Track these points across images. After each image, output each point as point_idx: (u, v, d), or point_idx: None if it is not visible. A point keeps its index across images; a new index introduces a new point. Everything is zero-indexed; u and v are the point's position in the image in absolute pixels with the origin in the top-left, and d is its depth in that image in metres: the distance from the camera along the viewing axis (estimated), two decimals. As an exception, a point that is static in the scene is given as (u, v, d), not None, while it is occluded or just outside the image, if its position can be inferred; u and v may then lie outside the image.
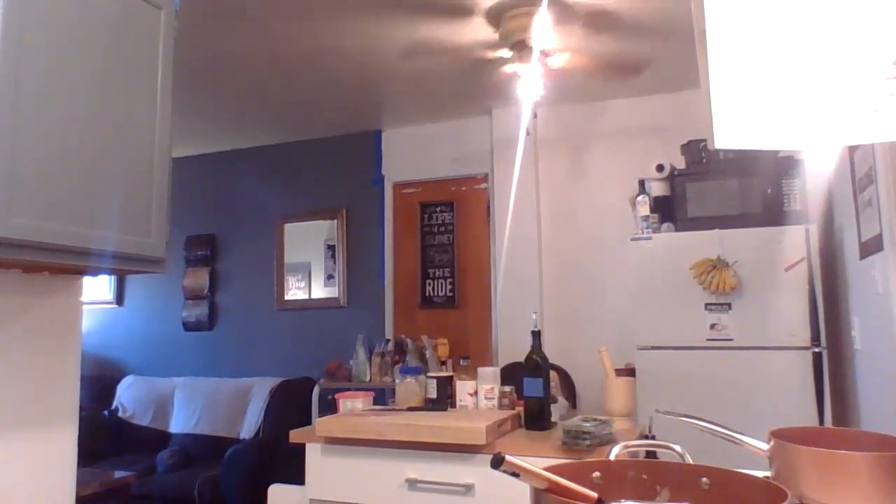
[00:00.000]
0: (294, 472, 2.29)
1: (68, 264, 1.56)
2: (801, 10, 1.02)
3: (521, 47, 3.24)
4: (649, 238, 3.34)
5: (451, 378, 2.40)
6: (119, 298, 5.61)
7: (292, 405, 4.49)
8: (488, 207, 4.64)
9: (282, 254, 5.15)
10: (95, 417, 4.77)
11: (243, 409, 4.58)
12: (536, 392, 2.15)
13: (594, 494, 0.69)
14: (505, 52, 3.43)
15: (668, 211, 3.42)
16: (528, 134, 4.31)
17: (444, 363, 4.22)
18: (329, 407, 2.83)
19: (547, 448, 1.93)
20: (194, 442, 4.57)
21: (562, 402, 2.36)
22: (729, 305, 3.11)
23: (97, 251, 1.56)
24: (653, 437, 2.03)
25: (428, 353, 4.22)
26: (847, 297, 2.91)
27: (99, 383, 5.09)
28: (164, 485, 4.05)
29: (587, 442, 1.87)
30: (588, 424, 1.90)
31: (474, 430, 1.93)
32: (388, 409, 2.35)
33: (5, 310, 1.66)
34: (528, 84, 3.36)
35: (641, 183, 3.55)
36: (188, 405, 4.79)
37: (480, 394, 2.33)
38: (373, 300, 4.86)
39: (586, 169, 4.38)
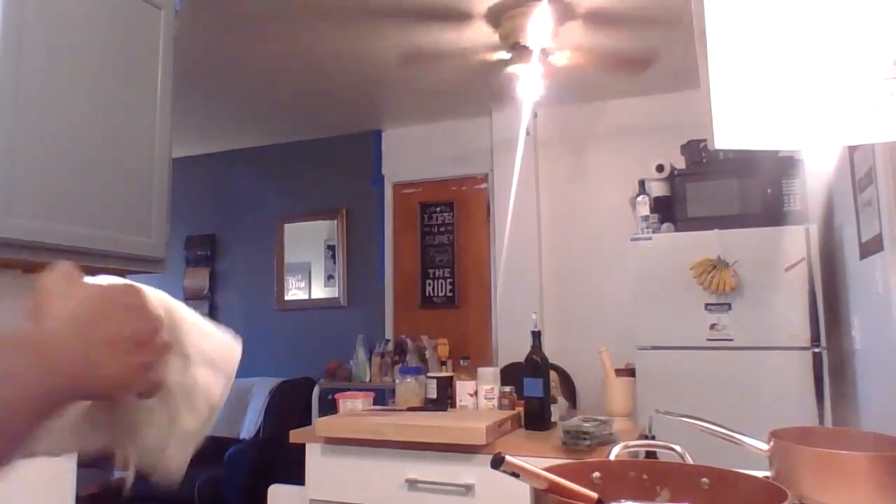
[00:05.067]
0: (294, 472, 2.29)
1: (68, 264, 1.55)
2: (801, 10, 1.02)
3: (520, 47, 3.24)
4: (649, 238, 3.34)
5: (451, 378, 2.40)
6: (119, 298, 5.61)
7: (292, 405, 4.48)
8: (488, 207, 4.64)
9: (282, 254, 5.15)
10: (95, 417, 4.77)
11: (243, 409, 4.57)
12: (536, 392, 2.15)
13: (594, 495, 0.69)
14: (505, 53, 3.43)
15: (668, 211, 3.42)
16: (528, 134, 4.31)
17: (444, 363, 4.22)
18: (329, 407, 2.82)
19: (547, 448, 1.93)
20: (194, 442, 4.57)
21: (562, 402, 2.36)
22: (729, 305, 3.11)
23: (97, 251, 1.56)
24: (653, 437, 2.03)
25: (428, 353, 4.22)
26: (847, 297, 2.91)
27: (99, 383, 5.09)
28: (164, 485, 4.04)
29: (587, 442, 1.86)
30: (588, 424, 1.90)
31: (474, 430, 1.93)
32: (388, 409, 2.35)
33: (5, 310, 1.66)
34: (528, 84, 3.36)
35: (641, 183, 3.55)
36: (188, 405, 4.78)
37: (480, 394, 2.33)
38: (373, 300, 4.86)
39: (586, 169, 4.38)
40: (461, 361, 4.16)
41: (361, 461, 2.08)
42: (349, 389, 3.08)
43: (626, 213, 3.83)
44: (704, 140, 2.79)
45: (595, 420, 1.96)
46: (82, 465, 1.86)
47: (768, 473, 0.92)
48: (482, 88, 4.08)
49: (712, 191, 3.33)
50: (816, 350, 2.98)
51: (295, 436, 2.23)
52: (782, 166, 3.23)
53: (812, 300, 3.00)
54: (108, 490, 3.33)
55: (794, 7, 1.02)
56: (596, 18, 3.18)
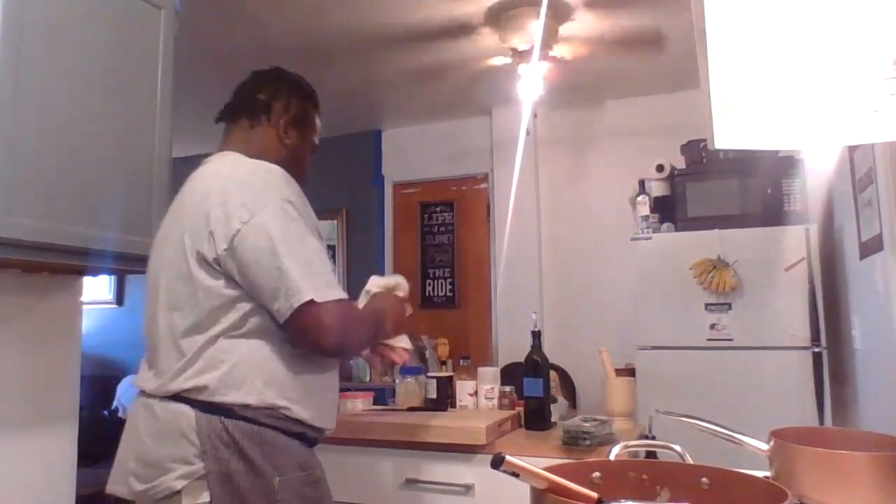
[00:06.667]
0: (294, 472, 2.28)
1: (68, 264, 1.56)
2: (801, 10, 1.02)
3: (521, 47, 3.24)
4: (649, 238, 3.34)
5: (451, 378, 2.39)
6: (119, 298, 5.61)
7: (292, 405, 4.48)
8: (488, 207, 4.64)
9: (282, 254, 5.14)
10: (95, 417, 4.76)
11: (243, 409, 4.57)
12: (536, 392, 2.15)
13: (594, 494, 0.69)
14: (505, 52, 3.43)
15: (668, 211, 3.42)
16: (528, 134, 4.30)
17: (444, 363, 4.21)
18: (329, 407, 2.82)
19: (547, 448, 1.93)
20: (194, 442, 4.56)
21: (562, 402, 2.35)
22: (729, 305, 3.11)
23: (97, 251, 1.56)
24: (653, 437, 2.03)
25: (428, 353, 4.21)
26: (847, 297, 2.91)
27: (99, 383, 5.08)
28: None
29: (587, 442, 1.86)
30: (588, 424, 1.90)
31: (474, 430, 1.93)
32: (388, 409, 2.35)
33: (5, 310, 1.66)
34: (528, 84, 3.36)
35: (641, 183, 3.55)
36: (188, 405, 4.77)
37: (480, 394, 2.33)
38: (373, 300, 4.85)
39: (586, 169, 4.38)
40: (461, 361, 4.15)
41: (361, 461, 2.08)
42: (349, 389, 3.07)
43: (626, 213, 3.83)
44: (704, 140, 2.79)
45: (595, 420, 1.96)
46: (82, 465, 1.86)
47: (768, 473, 0.92)
48: (482, 88, 4.07)
49: (712, 191, 3.32)
50: (816, 350, 2.98)
51: (295, 436, 2.22)
52: (782, 166, 3.23)
53: (812, 300, 3.00)
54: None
55: (794, 7, 1.02)
56: (597, 5, 3.12)
